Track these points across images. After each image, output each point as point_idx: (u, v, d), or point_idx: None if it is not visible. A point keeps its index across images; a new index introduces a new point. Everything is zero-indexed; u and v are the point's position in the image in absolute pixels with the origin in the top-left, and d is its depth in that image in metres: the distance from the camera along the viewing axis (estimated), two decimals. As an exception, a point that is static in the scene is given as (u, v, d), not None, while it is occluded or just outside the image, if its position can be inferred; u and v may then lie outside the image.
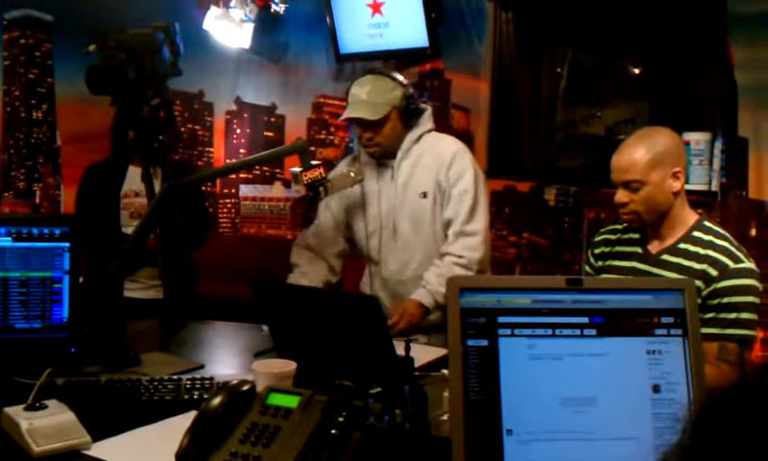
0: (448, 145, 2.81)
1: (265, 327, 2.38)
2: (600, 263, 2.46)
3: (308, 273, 2.81)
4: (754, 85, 3.03)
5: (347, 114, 2.78)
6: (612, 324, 1.34)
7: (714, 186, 3.10)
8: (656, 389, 1.32)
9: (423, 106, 2.87)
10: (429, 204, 2.77)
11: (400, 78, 2.82)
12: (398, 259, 2.83)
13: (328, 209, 2.91)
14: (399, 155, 2.79)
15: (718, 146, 3.10)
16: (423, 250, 2.77)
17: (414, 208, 2.78)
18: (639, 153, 2.22)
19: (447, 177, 2.75)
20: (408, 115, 2.78)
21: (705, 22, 3.31)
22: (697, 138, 3.12)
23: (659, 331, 1.35)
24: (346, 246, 2.93)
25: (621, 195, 2.27)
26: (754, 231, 3.00)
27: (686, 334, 1.35)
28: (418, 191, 2.78)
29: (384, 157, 2.81)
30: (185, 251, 2.53)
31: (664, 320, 1.35)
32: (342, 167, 2.90)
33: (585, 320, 1.34)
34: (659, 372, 1.33)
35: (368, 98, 2.72)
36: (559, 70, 3.89)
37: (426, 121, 2.83)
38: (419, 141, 2.80)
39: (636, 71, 3.73)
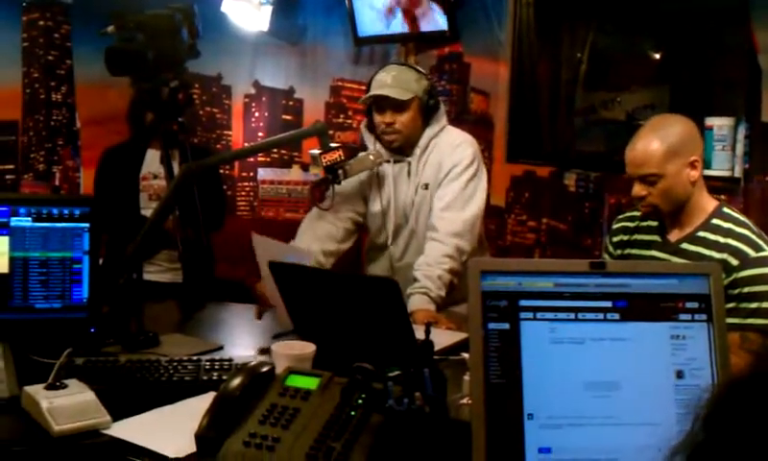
0: (454, 138, 2.82)
1: None
2: (618, 252, 2.44)
3: (306, 237, 2.81)
4: (778, 70, 2.98)
5: (371, 93, 2.77)
6: (636, 308, 1.33)
7: (737, 172, 3.06)
8: (679, 375, 1.30)
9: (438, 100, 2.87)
10: (429, 194, 2.79)
11: (424, 71, 2.83)
12: (404, 247, 2.87)
13: (348, 183, 2.90)
14: (417, 152, 2.79)
15: (741, 131, 3.06)
16: (423, 238, 2.78)
17: (420, 201, 2.81)
18: (654, 145, 2.18)
19: (443, 166, 2.75)
20: (428, 110, 2.78)
21: (727, 5, 3.26)
22: (720, 124, 3.08)
23: (683, 316, 1.33)
24: (359, 216, 2.91)
25: (638, 189, 2.23)
26: (777, 218, 2.96)
27: (711, 320, 1.33)
28: (422, 184, 2.80)
29: (401, 151, 2.81)
30: (204, 233, 2.53)
31: (689, 305, 1.34)
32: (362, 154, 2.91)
33: (608, 304, 1.33)
34: (682, 357, 1.31)
35: (392, 82, 2.73)
36: (579, 54, 3.85)
37: (441, 117, 2.83)
38: (435, 138, 2.79)
39: (657, 55, 3.68)
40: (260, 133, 4.54)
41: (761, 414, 0.71)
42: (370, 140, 2.85)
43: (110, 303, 2.18)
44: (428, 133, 2.80)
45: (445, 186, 2.75)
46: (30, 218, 2.04)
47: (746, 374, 0.78)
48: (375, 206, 2.88)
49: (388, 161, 2.83)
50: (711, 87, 3.43)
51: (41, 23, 4.19)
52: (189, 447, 1.46)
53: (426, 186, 2.80)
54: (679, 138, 2.19)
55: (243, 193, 4.59)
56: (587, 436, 1.27)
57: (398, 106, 2.73)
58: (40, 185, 4.22)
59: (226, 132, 4.61)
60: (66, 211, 2.06)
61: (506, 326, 1.30)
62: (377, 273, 2.96)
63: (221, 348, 2.19)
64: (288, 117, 4.49)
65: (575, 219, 3.67)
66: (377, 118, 2.78)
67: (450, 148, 2.78)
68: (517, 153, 3.84)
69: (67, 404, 1.58)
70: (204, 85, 4.53)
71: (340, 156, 2.46)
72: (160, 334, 2.19)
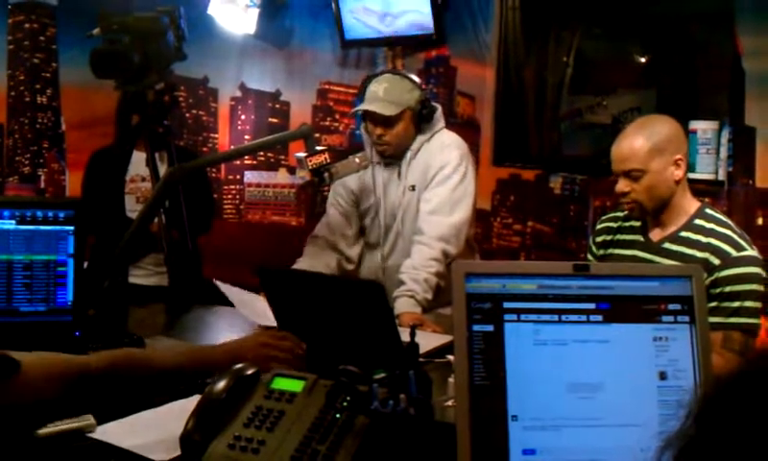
0: (443, 140, 2.83)
1: None
2: (602, 252, 2.46)
3: (311, 265, 2.83)
4: (761, 74, 3.01)
5: (360, 107, 2.79)
6: (619, 310, 1.33)
7: (721, 175, 3.08)
8: (662, 376, 1.31)
9: (434, 105, 2.88)
10: (416, 196, 2.79)
11: (418, 81, 2.84)
12: (390, 248, 2.89)
13: (336, 204, 2.95)
14: (408, 155, 2.81)
15: (725, 135, 3.08)
16: (409, 240, 2.79)
17: (407, 203, 2.82)
18: (639, 141, 2.21)
19: (430, 167, 2.77)
20: (421, 119, 2.79)
21: (712, 10, 3.29)
22: (704, 127, 3.10)
23: (666, 318, 1.34)
24: (357, 229, 2.94)
25: (622, 185, 2.26)
26: (761, 220, 2.99)
27: (694, 321, 1.34)
28: (409, 185, 2.81)
29: (393, 158, 2.82)
30: (190, 237, 2.53)
31: (671, 307, 1.34)
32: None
33: (591, 306, 1.33)
34: (665, 359, 1.32)
35: (384, 95, 2.74)
36: (565, 58, 3.87)
37: (437, 121, 2.84)
38: (426, 143, 2.81)
39: (643, 59, 3.71)
40: (247, 136, 4.53)
41: (752, 411, 0.72)
42: (368, 143, 2.88)
43: (96, 306, 2.17)
44: (420, 138, 2.81)
45: (433, 189, 2.76)
46: (14, 221, 2.03)
47: (738, 371, 0.79)
48: (366, 208, 2.90)
49: (378, 163, 2.85)
50: (696, 91, 3.46)
51: (27, 25, 4.18)
52: (174, 449, 1.46)
53: (413, 188, 2.81)
54: (664, 136, 2.22)
55: (229, 196, 4.58)
56: (570, 437, 1.27)
57: (388, 120, 2.74)
58: (26, 188, 4.20)
59: (212, 134, 4.60)
60: (51, 214, 2.05)
61: (490, 327, 1.31)
62: (367, 272, 2.98)
63: (206, 351, 2.18)
64: (275, 120, 4.48)
65: (560, 222, 3.68)
66: (370, 127, 2.81)
67: (438, 150, 2.80)
68: (503, 156, 3.86)
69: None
70: (190, 88, 4.52)
71: (326, 158, 2.46)
72: (146, 338, 2.18)
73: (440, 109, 2.88)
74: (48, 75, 4.26)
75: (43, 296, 2.05)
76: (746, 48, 3.04)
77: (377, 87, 2.76)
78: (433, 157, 2.79)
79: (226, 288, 2.52)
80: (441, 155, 2.78)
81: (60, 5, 4.25)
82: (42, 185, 4.27)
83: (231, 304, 2.73)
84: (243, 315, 2.50)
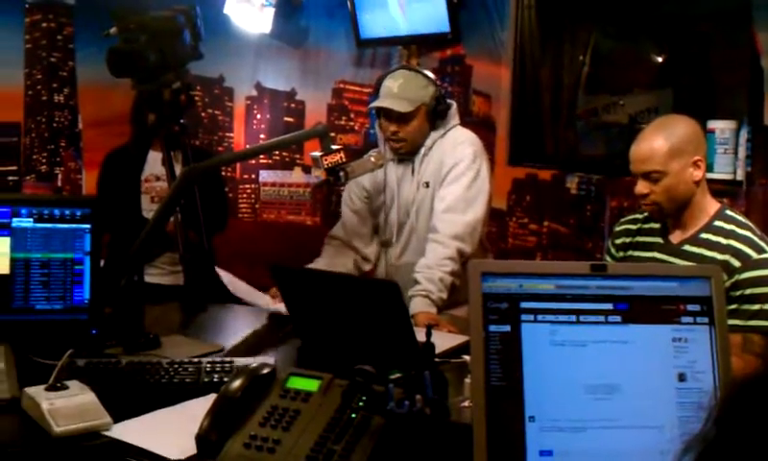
0: (457, 137, 2.82)
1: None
2: (621, 254, 2.44)
3: (328, 266, 2.83)
4: (780, 73, 2.98)
5: (375, 103, 2.79)
6: (638, 311, 1.32)
7: (740, 175, 3.05)
8: (681, 377, 1.30)
9: (449, 102, 2.87)
10: (430, 192, 2.78)
11: (432, 76, 2.83)
12: (404, 245, 2.88)
13: (350, 203, 2.95)
14: (422, 151, 2.80)
15: (743, 134, 3.05)
16: (424, 237, 2.78)
17: (421, 200, 2.81)
18: (658, 142, 2.19)
19: (444, 164, 2.76)
20: (435, 115, 2.78)
21: (730, 8, 3.26)
22: (722, 127, 3.07)
23: (685, 319, 1.33)
24: (372, 227, 2.96)
25: (641, 186, 2.24)
26: (779, 221, 2.96)
27: (713, 323, 1.33)
28: (423, 182, 2.81)
29: (407, 154, 2.82)
30: (206, 236, 2.53)
31: (690, 308, 1.34)
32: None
33: (609, 306, 1.32)
34: (684, 360, 1.31)
35: (398, 91, 2.74)
36: (581, 57, 3.84)
37: (451, 118, 2.84)
38: (440, 139, 2.80)
39: (660, 59, 3.68)
40: (262, 136, 4.54)
41: None
42: (381, 140, 2.88)
43: (112, 304, 2.17)
44: (434, 135, 2.81)
45: (447, 187, 2.75)
46: (31, 219, 2.04)
47: (758, 373, 0.78)
48: (379, 205, 2.90)
49: (392, 160, 2.85)
50: (714, 90, 3.43)
51: (44, 25, 4.20)
52: (190, 448, 1.46)
53: (427, 184, 2.80)
54: (683, 137, 2.21)
55: (244, 195, 4.59)
56: (588, 439, 1.27)
57: (403, 117, 2.74)
58: (43, 187, 4.22)
59: (227, 134, 4.61)
60: (68, 212, 2.05)
61: (507, 328, 1.30)
62: (382, 271, 2.98)
63: (222, 350, 2.19)
64: (290, 119, 4.48)
65: (577, 222, 3.66)
66: (384, 124, 2.80)
67: (451, 147, 2.79)
68: (519, 156, 3.84)
69: (68, 406, 1.58)
70: (206, 87, 4.53)
71: (341, 158, 2.45)
72: (161, 336, 2.19)
73: (455, 105, 2.87)
74: (65, 74, 4.28)
75: (60, 294, 2.06)
76: (764, 47, 3.00)
77: (392, 84, 2.76)
78: (447, 155, 2.78)
79: (228, 279, 2.53)
80: (454, 152, 2.77)
81: (77, 4, 4.27)
82: (59, 184, 4.29)
83: (243, 301, 2.74)
84: (255, 305, 2.54)
